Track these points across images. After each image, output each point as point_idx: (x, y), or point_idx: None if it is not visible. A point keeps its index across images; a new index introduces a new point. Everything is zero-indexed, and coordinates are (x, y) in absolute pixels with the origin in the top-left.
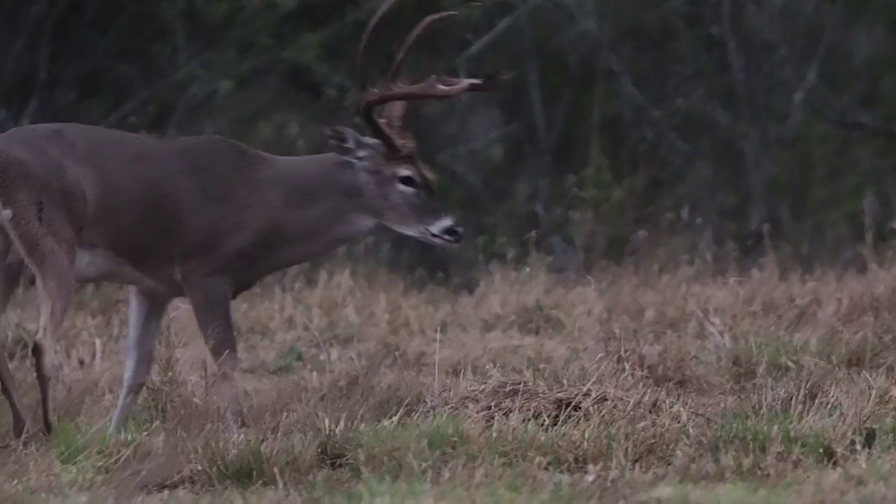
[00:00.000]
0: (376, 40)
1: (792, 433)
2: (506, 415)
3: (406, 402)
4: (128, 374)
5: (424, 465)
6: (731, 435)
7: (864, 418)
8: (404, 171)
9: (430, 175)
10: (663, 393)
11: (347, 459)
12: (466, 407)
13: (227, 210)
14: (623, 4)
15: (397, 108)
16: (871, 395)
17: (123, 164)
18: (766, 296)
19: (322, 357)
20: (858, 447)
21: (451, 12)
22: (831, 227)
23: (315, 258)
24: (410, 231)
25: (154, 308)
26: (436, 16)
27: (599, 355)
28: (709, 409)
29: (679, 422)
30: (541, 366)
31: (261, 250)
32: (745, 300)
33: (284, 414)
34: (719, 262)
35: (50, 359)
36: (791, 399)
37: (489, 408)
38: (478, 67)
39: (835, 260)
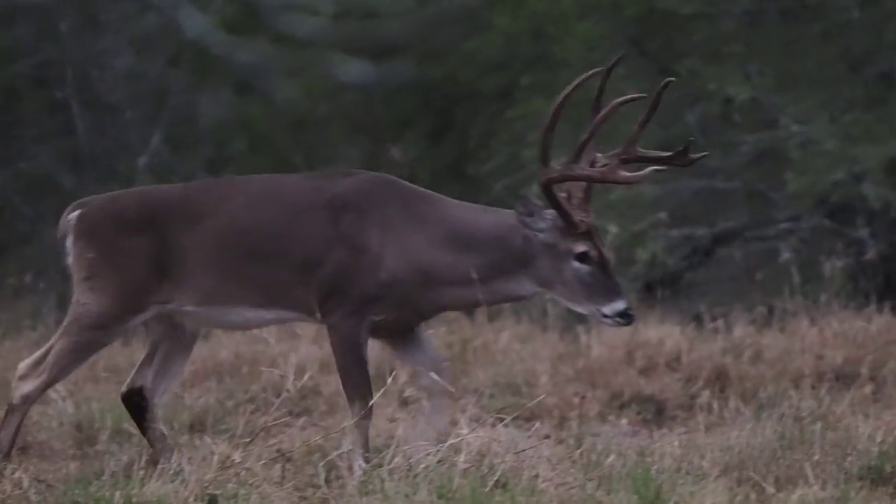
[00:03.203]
0: (559, 118)
1: (135, 499)
2: None
3: None
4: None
5: None
6: (73, 501)
7: (207, 484)
8: (581, 248)
9: (606, 254)
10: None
11: None
12: None
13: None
14: None
15: (579, 185)
16: (213, 461)
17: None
18: (109, 360)
19: None
20: None
21: (639, 95)
22: None
23: (476, 307)
24: (580, 309)
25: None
26: (622, 99)
27: None
28: (51, 475)
29: (21, 488)
30: None
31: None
32: (90, 365)
33: None
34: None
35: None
36: (133, 465)
37: None
38: None
39: None
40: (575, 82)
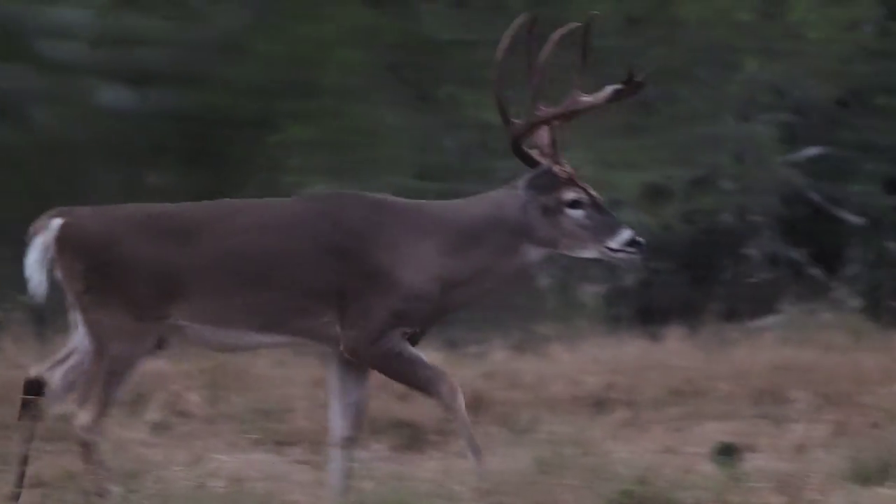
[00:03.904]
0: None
1: None
2: None
3: None
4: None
5: None
6: None
7: None
8: (570, 195)
9: (594, 192)
10: None
11: None
12: None
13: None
14: None
15: (543, 132)
16: None
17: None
18: None
19: None
20: None
21: (576, 23)
22: None
23: (488, 297)
24: (590, 253)
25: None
26: (563, 29)
27: None
28: None
29: None
30: None
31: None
32: None
33: None
34: None
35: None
36: None
37: None
38: None
39: None
40: (507, 34)
